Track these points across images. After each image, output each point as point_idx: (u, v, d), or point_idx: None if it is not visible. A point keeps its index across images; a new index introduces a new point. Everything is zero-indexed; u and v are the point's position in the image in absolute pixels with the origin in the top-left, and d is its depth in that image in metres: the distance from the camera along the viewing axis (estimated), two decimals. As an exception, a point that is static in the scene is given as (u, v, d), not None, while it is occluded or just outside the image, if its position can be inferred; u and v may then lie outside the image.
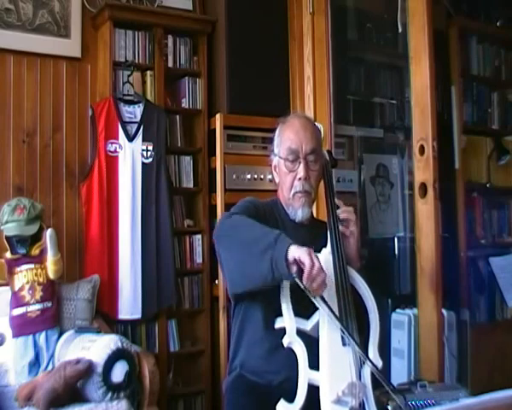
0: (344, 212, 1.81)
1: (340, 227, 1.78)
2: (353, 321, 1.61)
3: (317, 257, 1.51)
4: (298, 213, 1.85)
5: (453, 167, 3.26)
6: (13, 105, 3.00)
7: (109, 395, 2.36)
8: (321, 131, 1.98)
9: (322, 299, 1.54)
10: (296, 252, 1.48)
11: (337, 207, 1.82)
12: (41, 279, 2.66)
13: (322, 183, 1.93)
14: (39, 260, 2.69)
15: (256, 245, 1.55)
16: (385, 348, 2.76)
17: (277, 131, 1.92)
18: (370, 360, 1.56)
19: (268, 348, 1.71)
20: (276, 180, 1.93)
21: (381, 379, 1.51)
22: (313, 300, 1.55)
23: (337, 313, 1.60)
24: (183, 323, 3.28)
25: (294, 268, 1.48)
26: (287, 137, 1.85)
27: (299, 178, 1.81)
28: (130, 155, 3.04)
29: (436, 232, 2.46)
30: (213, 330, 3.26)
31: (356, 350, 1.56)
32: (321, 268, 1.49)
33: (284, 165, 1.85)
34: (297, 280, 1.48)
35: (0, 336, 2.62)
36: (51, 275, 2.68)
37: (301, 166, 1.81)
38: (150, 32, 3.20)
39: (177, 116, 3.30)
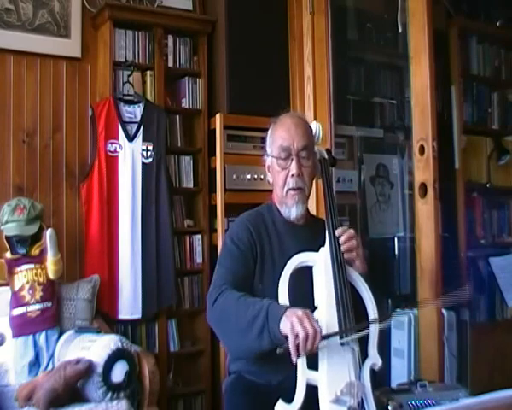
0: (346, 242, 1.74)
1: (346, 255, 1.73)
2: (352, 322, 1.61)
3: (305, 318, 1.48)
4: (292, 210, 1.84)
5: (453, 167, 3.26)
6: (13, 105, 3.00)
7: (109, 395, 2.36)
8: (319, 129, 1.96)
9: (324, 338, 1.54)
10: (284, 329, 1.49)
11: (338, 237, 1.76)
12: (41, 279, 2.66)
13: (320, 181, 1.93)
14: (39, 260, 2.69)
15: (251, 331, 1.57)
16: (385, 348, 2.76)
17: (269, 131, 1.92)
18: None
19: (268, 352, 1.71)
20: (270, 180, 1.93)
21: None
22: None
23: (336, 315, 1.60)
24: (183, 323, 3.28)
25: (284, 346, 1.49)
26: (278, 136, 1.86)
27: (292, 175, 1.81)
28: (130, 155, 3.04)
29: (436, 232, 2.46)
30: (213, 331, 3.25)
31: (355, 355, 1.56)
32: (305, 337, 1.46)
33: (277, 163, 1.85)
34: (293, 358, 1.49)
35: (0, 336, 2.62)
36: (51, 275, 2.68)
37: (293, 162, 1.81)
38: (150, 32, 3.21)
39: (177, 116, 3.30)
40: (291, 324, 1.48)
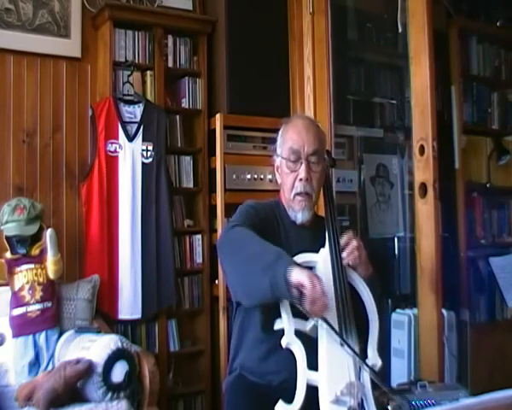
0: (349, 254, 1.72)
1: (351, 263, 1.71)
2: (352, 323, 1.61)
3: (319, 280, 1.48)
4: (298, 215, 1.84)
5: (453, 167, 3.26)
6: (13, 105, 3.00)
7: (109, 395, 2.36)
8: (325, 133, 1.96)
9: (324, 320, 1.54)
10: (296, 275, 1.46)
11: (341, 248, 1.74)
12: (41, 279, 2.66)
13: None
14: (39, 260, 2.69)
15: (256, 263, 1.55)
16: (385, 348, 2.76)
17: (280, 132, 1.91)
18: (370, 367, 1.55)
19: (267, 349, 1.72)
20: (279, 181, 1.92)
21: (379, 383, 1.50)
22: (313, 321, 1.56)
23: (336, 316, 1.60)
24: (183, 323, 3.28)
25: (295, 291, 1.46)
26: (289, 138, 1.85)
27: (301, 179, 1.80)
28: (130, 155, 3.04)
29: (436, 232, 2.46)
30: (213, 330, 3.26)
31: (355, 356, 1.56)
32: (322, 291, 1.46)
33: (286, 165, 1.84)
34: (297, 305, 1.48)
35: (0, 336, 2.62)
36: (51, 275, 2.68)
37: (303, 166, 1.80)
38: (150, 32, 3.20)
39: (177, 116, 3.30)
40: (309, 275, 1.46)
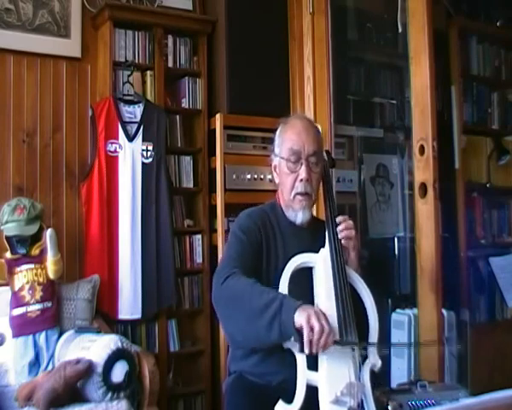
0: (344, 230, 1.76)
1: (341, 235, 1.75)
2: (352, 322, 1.61)
3: (320, 316, 1.49)
4: (298, 215, 1.84)
5: (453, 167, 3.26)
6: (13, 105, 3.00)
7: (109, 395, 2.36)
8: (319, 130, 1.97)
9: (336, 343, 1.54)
10: (298, 320, 1.48)
11: (337, 224, 1.78)
12: (41, 279, 2.66)
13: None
14: (39, 260, 2.69)
15: (262, 317, 1.54)
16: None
17: (278, 132, 1.91)
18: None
19: (267, 349, 1.71)
20: (276, 181, 1.92)
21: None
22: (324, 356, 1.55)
23: (336, 315, 1.60)
24: (183, 323, 3.28)
25: (296, 337, 1.48)
26: (288, 138, 1.85)
27: (301, 180, 1.81)
28: (130, 155, 3.04)
29: (436, 232, 2.46)
30: (213, 330, 3.26)
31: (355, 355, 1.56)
32: (321, 331, 1.47)
33: (286, 165, 1.84)
34: (303, 353, 1.49)
35: (0, 336, 2.62)
36: (51, 275, 2.68)
37: (303, 167, 1.81)
38: (150, 32, 3.20)
39: (177, 116, 3.30)
40: (308, 315, 1.47)
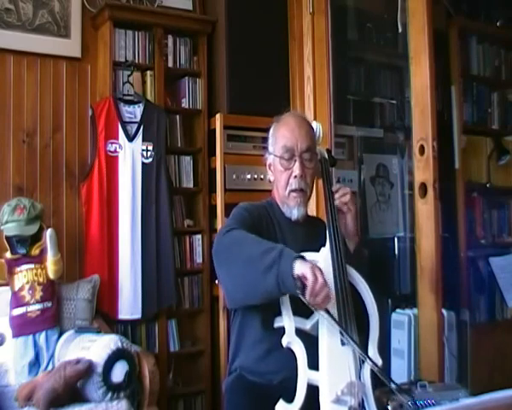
0: (341, 196, 1.80)
1: (337, 202, 1.78)
2: (353, 321, 1.61)
3: (321, 271, 1.50)
4: (293, 211, 1.84)
5: (453, 167, 3.26)
6: (13, 105, 3.00)
7: (109, 395, 2.36)
8: (319, 129, 1.96)
9: (327, 311, 1.54)
10: (300, 268, 1.48)
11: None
12: (41, 279, 2.66)
13: (320, 182, 1.93)
14: (39, 260, 2.69)
15: (260, 261, 1.54)
16: (385, 348, 2.76)
17: (272, 130, 1.92)
18: (372, 360, 1.56)
19: (267, 348, 1.72)
20: (271, 179, 1.93)
21: (383, 378, 1.51)
22: (316, 312, 1.56)
23: (336, 314, 1.60)
24: (183, 323, 3.28)
25: (298, 283, 1.47)
26: (282, 136, 1.86)
27: (295, 176, 1.82)
28: (130, 155, 3.04)
29: (436, 232, 2.46)
30: (213, 330, 3.26)
31: (356, 351, 1.56)
32: (324, 283, 1.48)
33: (280, 163, 1.85)
34: (300, 296, 1.48)
35: (0, 336, 2.62)
36: (51, 275, 2.68)
37: (297, 163, 1.81)
38: (150, 32, 3.21)
39: (177, 116, 3.30)
40: (312, 266, 1.48)
